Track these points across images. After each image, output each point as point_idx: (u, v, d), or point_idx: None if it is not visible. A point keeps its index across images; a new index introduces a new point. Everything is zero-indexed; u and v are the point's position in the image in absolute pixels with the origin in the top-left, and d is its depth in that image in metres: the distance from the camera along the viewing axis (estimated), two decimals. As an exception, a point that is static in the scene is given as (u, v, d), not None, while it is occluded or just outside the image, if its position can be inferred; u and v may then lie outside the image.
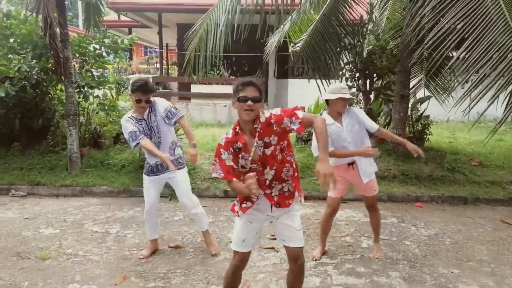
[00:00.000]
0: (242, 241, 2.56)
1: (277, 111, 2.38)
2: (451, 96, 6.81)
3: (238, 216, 2.56)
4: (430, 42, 4.24)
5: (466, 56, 4.06)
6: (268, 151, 2.37)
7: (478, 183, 5.78)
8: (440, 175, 5.90)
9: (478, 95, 3.82)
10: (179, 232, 4.35)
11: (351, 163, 3.52)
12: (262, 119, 2.36)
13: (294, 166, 2.50)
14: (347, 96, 3.37)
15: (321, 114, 3.73)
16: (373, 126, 3.54)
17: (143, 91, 3.42)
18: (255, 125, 2.36)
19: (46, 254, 3.79)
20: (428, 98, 7.23)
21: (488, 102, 3.72)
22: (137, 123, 3.50)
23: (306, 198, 5.47)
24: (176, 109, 3.62)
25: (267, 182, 2.44)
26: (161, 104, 3.58)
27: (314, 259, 3.68)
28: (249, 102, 2.30)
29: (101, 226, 4.57)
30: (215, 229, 4.47)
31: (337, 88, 3.41)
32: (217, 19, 5.59)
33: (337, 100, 3.37)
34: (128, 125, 3.46)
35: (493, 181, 5.78)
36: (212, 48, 5.68)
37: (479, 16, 3.97)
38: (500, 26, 3.87)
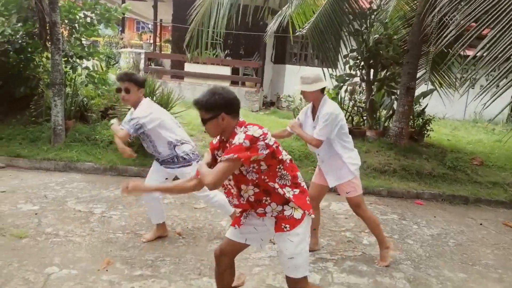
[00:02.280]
0: (234, 227, 2.26)
1: (237, 139, 2.00)
2: (452, 92, 6.62)
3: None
4: (450, 36, 3.99)
5: (484, 54, 3.82)
6: (241, 169, 2.05)
7: (480, 183, 5.62)
8: (442, 173, 5.72)
9: (481, 94, 3.61)
10: (169, 217, 4.04)
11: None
12: (235, 136, 2.04)
13: (289, 183, 2.12)
14: (306, 88, 3.06)
15: None
16: (316, 134, 3.09)
17: (123, 78, 3.23)
18: (227, 142, 2.10)
19: (23, 232, 3.47)
20: (432, 91, 7.01)
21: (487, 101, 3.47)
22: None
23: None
24: (135, 124, 3.15)
25: (252, 199, 2.13)
26: (137, 112, 3.20)
27: None
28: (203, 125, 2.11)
29: (84, 205, 4.24)
30: (207, 215, 4.20)
31: (302, 78, 3.12)
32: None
33: (302, 92, 3.13)
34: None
35: (495, 182, 5.63)
36: (214, 26, 5.34)
37: (499, 13, 3.70)
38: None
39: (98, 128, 6.22)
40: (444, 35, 4.06)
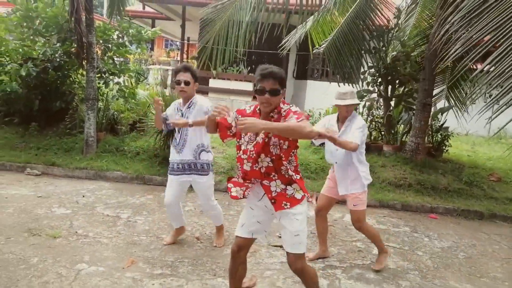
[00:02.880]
0: (241, 225, 2.56)
1: (294, 108, 2.37)
2: (471, 108, 6.66)
3: (233, 195, 2.47)
4: (456, 52, 4.15)
5: (491, 69, 3.95)
6: (267, 140, 2.35)
7: (496, 199, 5.63)
8: (457, 188, 5.77)
9: (499, 109, 3.72)
10: (189, 223, 4.33)
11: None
12: (283, 109, 2.37)
13: (293, 168, 2.43)
14: (343, 103, 3.31)
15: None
16: (353, 140, 3.23)
17: (183, 70, 3.39)
18: (272, 114, 2.38)
19: (57, 233, 3.82)
20: (449, 108, 7.08)
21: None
22: (176, 110, 3.55)
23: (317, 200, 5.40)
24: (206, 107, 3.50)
25: (263, 170, 2.39)
26: (203, 103, 3.49)
27: (307, 258, 3.50)
28: (266, 95, 2.29)
29: (112, 210, 4.59)
30: (224, 222, 4.42)
31: (339, 94, 3.37)
32: (240, 14, 5.56)
33: (338, 105, 3.37)
34: (170, 107, 3.63)
35: (511, 199, 5.62)
36: (234, 43, 5.67)
37: (509, 29, 3.85)
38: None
39: (127, 140, 6.64)
40: (452, 51, 4.22)
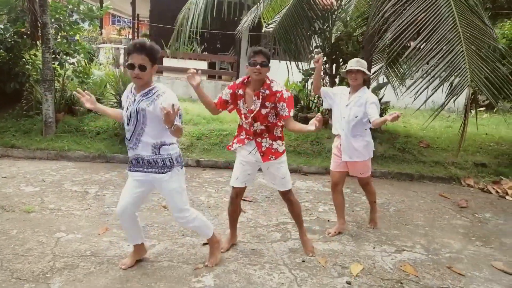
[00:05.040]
0: (235, 178, 3.30)
1: (286, 94, 3.05)
2: (405, 84, 7.46)
3: (231, 149, 3.28)
4: (391, 34, 4.79)
5: (421, 47, 4.64)
6: (263, 111, 3.06)
7: (424, 162, 6.50)
8: (392, 154, 6.57)
9: (426, 84, 4.42)
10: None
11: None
12: (273, 88, 3.05)
13: (280, 128, 3.21)
14: (355, 68, 3.50)
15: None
16: (371, 115, 3.47)
17: (138, 50, 2.61)
18: (262, 89, 3.04)
19: (30, 208, 4.09)
20: (386, 84, 7.85)
21: (432, 90, 4.32)
22: (127, 96, 2.85)
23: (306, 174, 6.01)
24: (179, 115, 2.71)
25: (258, 131, 3.13)
26: (170, 99, 2.66)
27: (328, 233, 3.93)
28: (258, 67, 2.97)
29: (79, 187, 4.86)
30: (188, 193, 4.87)
31: (351, 62, 3.59)
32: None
33: (348, 73, 3.62)
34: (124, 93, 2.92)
35: (437, 161, 6.51)
36: (191, 24, 5.95)
37: (433, 12, 4.53)
38: (450, 23, 4.46)
39: (86, 120, 6.79)
40: (389, 34, 4.86)
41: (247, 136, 3.20)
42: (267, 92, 3.05)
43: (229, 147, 3.32)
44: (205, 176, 5.62)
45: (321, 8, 6.90)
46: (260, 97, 3.05)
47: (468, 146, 7.22)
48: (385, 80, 8.04)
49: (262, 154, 3.17)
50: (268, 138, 3.16)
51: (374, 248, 3.74)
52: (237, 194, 3.39)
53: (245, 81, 3.15)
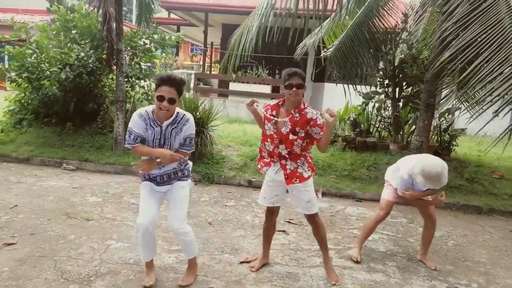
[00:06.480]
0: (263, 197, 3.35)
1: (320, 120, 3.02)
2: (477, 108, 6.88)
3: (262, 172, 3.31)
4: (449, 55, 4.52)
5: (481, 69, 4.30)
6: (291, 137, 3.04)
7: (495, 194, 5.88)
8: (458, 184, 6.06)
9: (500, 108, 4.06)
10: (203, 211, 4.87)
11: None
12: (307, 114, 3.03)
13: (307, 159, 3.21)
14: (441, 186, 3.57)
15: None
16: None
17: (168, 83, 2.69)
18: (294, 112, 3.03)
19: (90, 216, 4.45)
20: (457, 109, 7.32)
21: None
22: (150, 125, 2.85)
23: (323, 194, 5.84)
24: (192, 143, 3.02)
25: (283, 153, 3.11)
26: (190, 126, 2.92)
27: (352, 258, 3.77)
28: (294, 89, 2.98)
29: (137, 199, 5.14)
30: (235, 211, 4.95)
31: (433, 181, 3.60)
32: (251, 22, 6.06)
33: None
34: (135, 121, 2.83)
35: (511, 194, 5.86)
36: (244, 49, 6.14)
37: (496, 32, 4.20)
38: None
39: (151, 139, 7.26)
40: (446, 55, 4.59)
41: (272, 159, 3.21)
42: (298, 117, 3.04)
43: (260, 171, 3.32)
44: (255, 196, 5.66)
45: (383, 31, 6.75)
46: (292, 121, 3.04)
47: (552, 179, 6.42)
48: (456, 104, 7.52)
49: (286, 176, 3.16)
50: (292, 161, 3.15)
51: (422, 283, 3.44)
52: (271, 213, 3.42)
53: (280, 103, 3.17)
